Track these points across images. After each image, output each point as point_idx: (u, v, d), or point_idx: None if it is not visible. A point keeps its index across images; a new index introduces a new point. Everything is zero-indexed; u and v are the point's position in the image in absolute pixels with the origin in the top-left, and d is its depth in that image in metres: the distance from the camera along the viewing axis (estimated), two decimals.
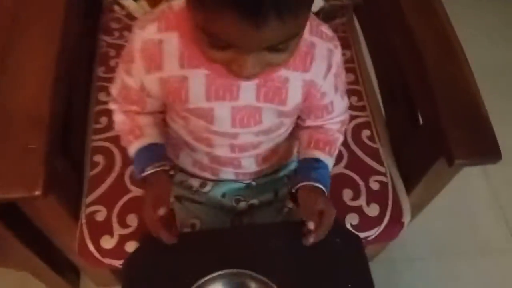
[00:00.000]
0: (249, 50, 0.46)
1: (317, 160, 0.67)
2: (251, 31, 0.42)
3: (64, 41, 0.74)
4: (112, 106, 0.68)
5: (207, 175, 0.73)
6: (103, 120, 0.86)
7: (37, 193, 0.61)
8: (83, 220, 0.76)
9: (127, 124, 0.67)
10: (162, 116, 0.69)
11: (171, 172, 0.69)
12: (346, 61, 0.97)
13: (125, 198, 0.78)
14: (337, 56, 0.60)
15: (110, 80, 0.75)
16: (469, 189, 1.29)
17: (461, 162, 0.68)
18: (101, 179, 0.80)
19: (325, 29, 0.59)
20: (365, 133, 0.88)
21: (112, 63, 0.94)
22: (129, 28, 0.96)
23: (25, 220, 0.72)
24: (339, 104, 0.67)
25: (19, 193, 0.62)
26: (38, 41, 0.74)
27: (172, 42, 0.55)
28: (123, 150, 0.77)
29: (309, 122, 0.69)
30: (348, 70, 0.96)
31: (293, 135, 0.72)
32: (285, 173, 0.77)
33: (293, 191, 0.67)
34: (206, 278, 0.57)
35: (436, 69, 0.73)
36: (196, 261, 0.61)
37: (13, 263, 0.91)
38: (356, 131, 0.88)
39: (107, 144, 0.83)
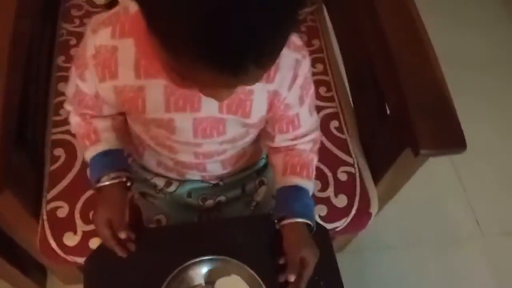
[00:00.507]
0: (224, 88, 0.44)
1: (297, 188, 0.63)
2: (228, 79, 0.39)
3: (17, 27, 0.70)
4: (67, 107, 0.64)
5: (173, 175, 0.71)
6: (63, 112, 0.82)
7: None
8: (44, 217, 0.73)
9: (83, 127, 0.63)
10: (121, 118, 0.65)
11: (128, 184, 0.63)
12: (314, 51, 0.97)
13: (87, 194, 0.75)
14: (305, 67, 0.57)
15: (68, 70, 0.72)
16: (438, 179, 1.31)
17: (427, 153, 0.68)
18: (62, 173, 0.77)
19: (294, 37, 0.56)
20: (333, 123, 0.88)
21: (72, 52, 0.90)
22: (90, 16, 0.93)
23: None
24: (307, 120, 0.63)
25: None
26: None
27: (127, 50, 0.52)
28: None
29: (278, 141, 0.64)
30: (317, 60, 0.96)
31: (260, 137, 0.68)
32: (253, 170, 0.75)
33: (277, 227, 0.63)
34: (185, 264, 0.56)
35: (403, 60, 0.73)
36: (163, 256, 0.60)
37: None
38: (325, 122, 0.87)
39: (68, 137, 0.80)
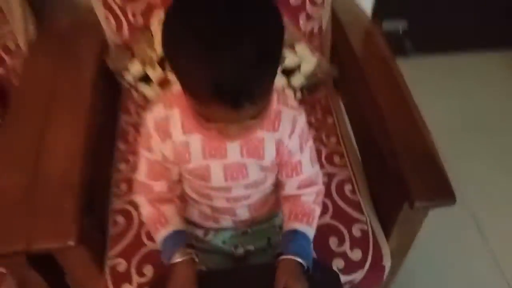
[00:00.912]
0: (232, 123, 0.62)
1: (296, 232, 0.77)
2: (232, 114, 0.58)
3: (90, 120, 0.92)
4: (137, 199, 0.81)
5: (210, 224, 0.87)
6: (123, 186, 1.02)
7: (70, 243, 0.76)
8: (107, 271, 0.89)
9: (154, 213, 0.79)
10: (181, 205, 0.84)
11: (196, 260, 0.76)
12: (329, 126, 1.14)
13: (142, 252, 0.91)
14: (301, 121, 0.75)
15: (128, 152, 0.92)
16: (463, 242, 1.39)
17: (420, 205, 0.81)
18: (121, 236, 0.94)
19: (291, 101, 0.76)
20: (348, 187, 1.01)
21: (130, 138, 1.11)
22: (144, 108, 1.15)
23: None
24: (308, 168, 0.79)
25: (57, 244, 0.76)
26: (69, 120, 0.92)
27: (175, 116, 0.72)
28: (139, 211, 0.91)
29: (287, 190, 0.80)
30: (331, 133, 1.12)
31: (275, 190, 0.85)
32: (277, 223, 0.90)
33: (276, 264, 0.76)
34: None
35: (395, 126, 0.89)
36: None
37: None
38: (340, 186, 1.01)
39: (126, 206, 0.98)
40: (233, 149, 0.73)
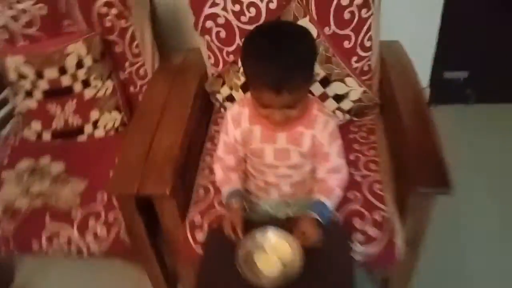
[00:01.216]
0: (276, 107, 0.96)
1: (318, 201, 1.07)
2: (275, 99, 0.93)
3: (188, 124, 1.32)
4: (215, 167, 1.20)
5: (262, 194, 1.19)
6: (206, 171, 1.38)
7: (166, 192, 1.13)
8: (187, 222, 1.24)
9: (224, 177, 1.16)
10: (243, 175, 1.19)
11: (246, 207, 1.12)
12: (371, 142, 1.40)
13: (212, 213, 1.24)
14: (332, 124, 1.07)
15: (213, 150, 1.30)
16: None
17: (422, 191, 1.05)
18: (200, 201, 1.28)
19: (327, 110, 1.10)
20: (377, 186, 1.26)
21: (215, 141, 1.48)
22: None
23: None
24: (334, 158, 1.10)
25: (157, 191, 1.14)
26: (174, 122, 1.33)
27: (245, 112, 1.09)
28: (216, 189, 1.26)
29: (319, 174, 1.11)
30: (371, 148, 1.38)
31: (312, 178, 1.15)
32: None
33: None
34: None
35: (415, 145, 1.16)
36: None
37: (141, 257, 1.38)
38: (370, 185, 1.25)
39: (207, 184, 1.33)
40: (281, 138, 1.07)
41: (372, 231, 1.16)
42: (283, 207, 1.18)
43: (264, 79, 0.91)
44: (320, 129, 1.06)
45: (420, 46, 1.99)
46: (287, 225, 1.05)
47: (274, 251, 0.99)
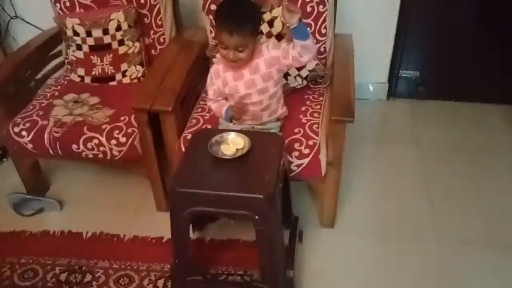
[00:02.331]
0: (231, 48, 1.53)
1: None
2: (230, 39, 1.50)
3: (189, 73, 1.89)
4: (209, 103, 1.76)
5: (237, 121, 1.74)
6: (199, 110, 1.94)
7: (169, 108, 1.69)
8: (182, 137, 1.79)
9: (218, 105, 1.72)
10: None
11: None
12: (319, 101, 1.96)
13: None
14: (269, 43, 1.63)
15: (204, 98, 1.86)
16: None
17: (334, 119, 1.60)
18: (194, 126, 1.84)
19: (265, 43, 1.65)
20: (315, 126, 1.80)
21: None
22: None
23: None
24: (288, 47, 1.59)
25: (163, 107, 1.70)
26: (179, 71, 1.90)
27: (220, 67, 1.67)
28: (206, 121, 1.83)
29: (294, 53, 1.56)
30: (318, 104, 1.93)
31: (276, 102, 1.72)
32: (272, 130, 1.74)
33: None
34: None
35: (336, 95, 1.70)
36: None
37: (145, 169, 1.94)
38: (311, 126, 1.80)
39: (199, 116, 1.90)
40: (246, 73, 1.63)
41: (305, 151, 1.71)
42: (250, 129, 1.73)
43: (224, 27, 1.50)
44: (266, 52, 1.62)
45: (380, 47, 2.58)
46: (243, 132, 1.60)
47: (233, 142, 1.53)
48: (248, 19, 1.52)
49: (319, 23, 1.98)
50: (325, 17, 1.97)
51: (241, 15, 1.51)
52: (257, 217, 1.36)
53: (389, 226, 1.97)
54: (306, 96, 1.99)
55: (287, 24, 1.52)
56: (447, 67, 2.62)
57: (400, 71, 2.68)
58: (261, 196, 1.32)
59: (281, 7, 1.55)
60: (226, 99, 1.74)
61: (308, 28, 1.56)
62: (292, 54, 1.57)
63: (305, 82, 2.02)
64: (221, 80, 1.67)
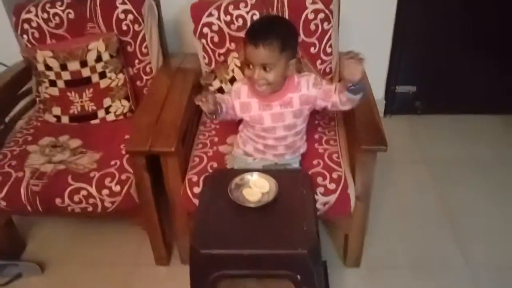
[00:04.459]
0: (256, 64, 1.33)
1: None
2: (255, 50, 1.31)
3: (186, 107, 1.66)
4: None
5: (259, 155, 1.54)
6: (199, 145, 1.71)
7: (171, 149, 1.45)
8: (186, 180, 1.55)
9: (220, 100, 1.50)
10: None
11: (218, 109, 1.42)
12: (331, 126, 1.77)
13: (205, 173, 1.57)
14: (311, 77, 1.44)
15: (203, 132, 1.64)
16: None
17: (365, 148, 1.41)
18: (196, 166, 1.60)
19: (305, 74, 1.48)
20: (335, 155, 1.61)
21: (207, 126, 1.82)
22: None
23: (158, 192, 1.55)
24: (331, 87, 1.43)
25: (164, 148, 1.46)
26: (176, 105, 1.66)
27: (244, 88, 1.46)
28: (210, 159, 1.60)
29: (336, 99, 1.41)
30: (331, 130, 1.75)
31: (300, 139, 1.53)
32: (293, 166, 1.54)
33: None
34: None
35: (361, 123, 1.53)
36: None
37: (142, 220, 1.68)
38: (330, 155, 1.61)
39: (201, 154, 1.66)
40: (275, 105, 1.43)
41: (330, 186, 1.50)
42: (272, 166, 1.53)
43: (250, 39, 1.32)
44: (305, 88, 1.44)
45: (376, 64, 2.44)
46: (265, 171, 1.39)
47: (256, 185, 1.31)
48: (277, 34, 1.33)
49: (324, 41, 1.80)
50: (330, 35, 1.80)
51: (270, 29, 1.35)
52: (299, 276, 1.14)
53: (416, 258, 1.80)
54: (316, 122, 1.80)
55: (346, 83, 1.33)
56: (444, 80, 2.53)
57: (397, 86, 2.56)
58: (304, 251, 1.11)
59: (342, 62, 1.29)
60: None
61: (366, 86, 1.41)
62: (333, 99, 1.42)
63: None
64: (239, 103, 1.48)
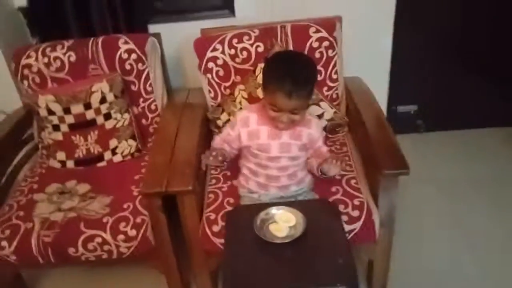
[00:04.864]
0: (286, 111, 1.30)
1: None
2: (288, 102, 1.28)
3: (198, 142, 1.62)
4: (216, 136, 1.56)
5: (261, 190, 1.49)
6: (213, 181, 1.67)
7: (189, 188, 1.41)
8: (204, 218, 1.50)
9: (219, 142, 1.52)
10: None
11: (225, 160, 1.48)
12: (344, 152, 1.75)
13: (223, 210, 1.51)
14: (320, 124, 1.47)
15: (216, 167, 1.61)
16: None
17: (387, 173, 1.38)
18: (212, 203, 1.56)
19: (317, 119, 1.50)
20: (353, 181, 1.58)
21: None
22: None
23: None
24: (322, 144, 1.47)
25: (181, 187, 1.41)
26: (186, 141, 1.63)
27: (252, 116, 1.43)
28: (225, 194, 1.56)
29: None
30: (345, 155, 1.73)
31: (302, 169, 1.50)
32: (300, 197, 1.50)
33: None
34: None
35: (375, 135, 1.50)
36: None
37: (159, 262, 1.61)
38: (348, 181, 1.58)
39: (216, 190, 1.62)
40: (285, 135, 1.41)
41: (353, 213, 1.47)
42: (278, 200, 1.48)
43: (281, 89, 1.27)
44: (314, 128, 1.45)
45: (376, 86, 2.43)
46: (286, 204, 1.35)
47: (281, 219, 1.27)
48: (309, 79, 1.33)
49: (330, 68, 1.81)
50: (335, 62, 1.81)
51: (301, 75, 1.30)
52: None
53: (440, 281, 1.75)
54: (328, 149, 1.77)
55: (322, 171, 1.47)
56: (444, 97, 2.55)
57: (398, 106, 2.56)
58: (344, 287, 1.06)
59: (329, 160, 1.42)
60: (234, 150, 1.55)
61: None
62: (319, 149, 1.52)
63: (323, 133, 1.81)
64: (247, 131, 1.45)
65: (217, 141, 1.56)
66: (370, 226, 1.47)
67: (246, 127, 1.44)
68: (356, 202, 1.50)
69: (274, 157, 1.44)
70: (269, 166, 1.45)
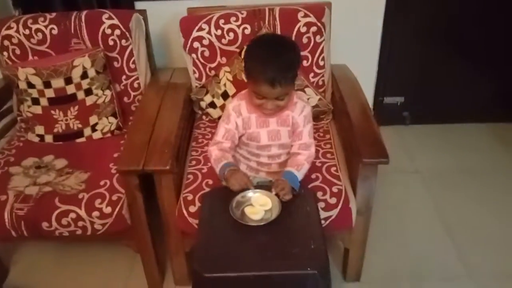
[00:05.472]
0: (270, 98, 1.28)
1: (289, 171, 1.36)
2: (272, 91, 1.25)
3: (179, 122, 1.60)
4: (211, 148, 1.45)
5: (252, 173, 1.48)
6: (193, 162, 1.65)
7: (166, 167, 1.39)
8: (181, 199, 1.49)
9: (219, 155, 1.41)
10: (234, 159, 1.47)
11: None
12: (327, 139, 1.74)
13: (201, 191, 1.50)
14: (307, 109, 1.41)
15: (196, 148, 1.58)
16: None
17: (367, 161, 1.38)
18: (191, 184, 1.54)
19: (304, 99, 1.43)
20: (333, 169, 1.58)
21: (199, 141, 1.77)
22: (211, 126, 1.82)
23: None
24: (306, 137, 1.42)
25: (158, 167, 1.40)
26: (168, 119, 1.61)
27: (242, 104, 1.39)
28: (205, 175, 1.54)
29: (292, 149, 1.42)
30: (327, 143, 1.72)
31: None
32: None
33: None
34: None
35: (360, 135, 1.49)
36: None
37: (134, 241, 1.60)
38: (328, 168, 1.57)
39: (194, 171, 1.60)
40: (272, 122, 1.39)
41: (331, 200, 1.46)
42: (266, 182, 1.47)
43: (263, 77, 1.23)
44: (297, 112, 1.40)
45: (363, 76, 2.42)
46: (266, 187, 1.34)
47: (258, 202, 1.26)
48: (293, 65, 1.28)
49: (317, 54, 1.79)
50: (322, 48, 1.79)
51: (285, 62, 1.25)
52: None
53: (417, 270, 1.77)
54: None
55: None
56: (431, 90, 2.55)
57: (384, 98, 2.56)
58: (314, 272, 1.06)
59: (276, 183, 1.35)
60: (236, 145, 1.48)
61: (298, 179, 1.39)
62: (301, 140, 1.44)
63: (311, 122, 1.79)
64: (242, 119, 1.41)
65: (214, 156, 1.42)
66: (347, 213, 1.47)
67: (240, 115, 1.41)
68: (334, 189, 1.49)
69: (264, 146, 1.42)
70: (260, 154, 1.45)
